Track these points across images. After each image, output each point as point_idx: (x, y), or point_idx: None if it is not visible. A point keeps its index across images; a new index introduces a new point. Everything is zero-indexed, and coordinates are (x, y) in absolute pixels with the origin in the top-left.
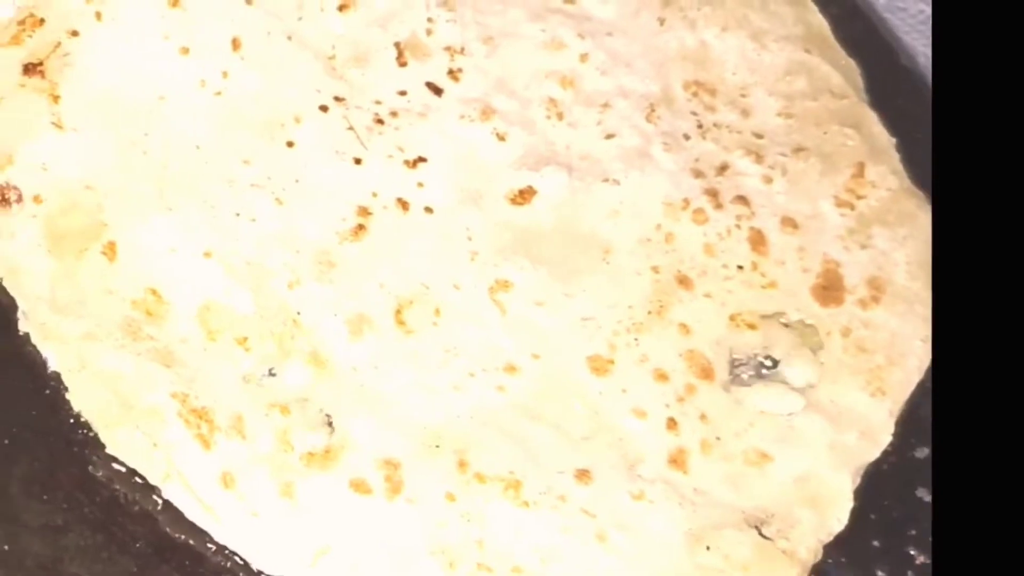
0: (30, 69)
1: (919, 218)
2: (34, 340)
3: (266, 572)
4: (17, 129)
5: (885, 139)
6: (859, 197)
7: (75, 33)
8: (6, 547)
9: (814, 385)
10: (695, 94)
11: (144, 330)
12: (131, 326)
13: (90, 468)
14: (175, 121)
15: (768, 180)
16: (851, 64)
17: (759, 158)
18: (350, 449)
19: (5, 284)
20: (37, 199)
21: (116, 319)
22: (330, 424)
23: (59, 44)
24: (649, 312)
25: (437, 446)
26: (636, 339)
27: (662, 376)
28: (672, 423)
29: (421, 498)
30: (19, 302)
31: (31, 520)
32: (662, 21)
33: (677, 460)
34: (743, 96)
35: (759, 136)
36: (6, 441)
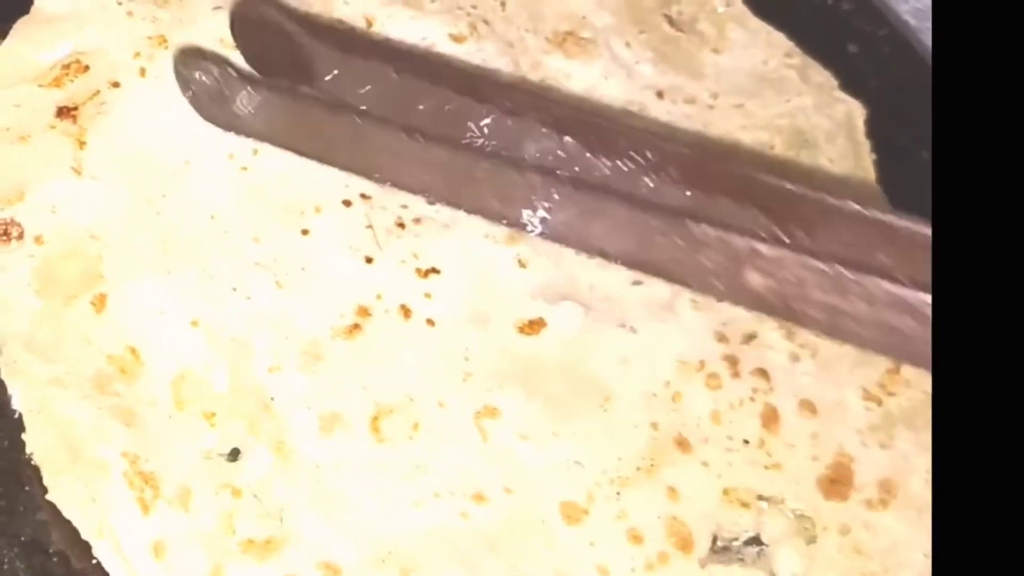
0: (64, 112)
1: None
2: (2, 375)
3: None
4: (36, 168)
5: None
6: (890, 394)
7: (116, 84)
8: None
9: None
10: None
11: (113, 386)
12: (101, 379)
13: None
14: (196, 187)
15: (795, 358)
16: None
17: (791, 334)
18: (293, 545)
19: None
20: (39, 239)
21: (88, 370)
22: (280, 516)
23: (98, 92)
24: (638, 468)
25: (383, 560)
26: (618, 493)
27: (636, 538)
28: None
29: None
30: None
31: None
32: None
33: None
34: None
35: None
36: None
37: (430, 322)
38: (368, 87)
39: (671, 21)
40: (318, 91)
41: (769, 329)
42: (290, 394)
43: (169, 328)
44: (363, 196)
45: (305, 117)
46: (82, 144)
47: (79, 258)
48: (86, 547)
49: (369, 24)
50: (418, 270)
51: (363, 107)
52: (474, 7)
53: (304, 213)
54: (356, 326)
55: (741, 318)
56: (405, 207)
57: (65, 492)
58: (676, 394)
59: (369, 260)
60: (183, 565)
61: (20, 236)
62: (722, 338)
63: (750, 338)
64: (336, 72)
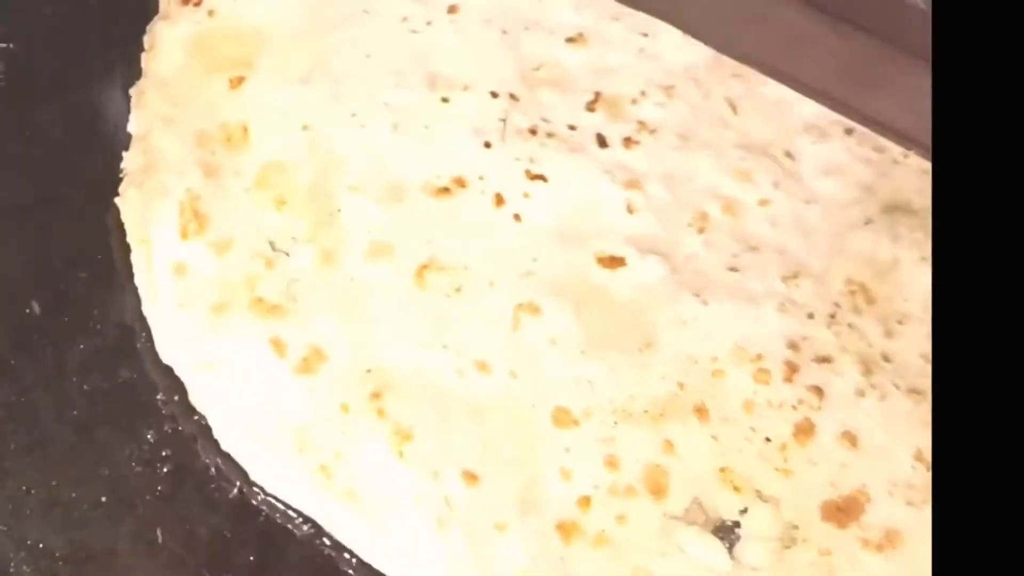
0: None
1: None
2: (132, 101)
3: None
4: None
5: None
6: None
7: None
8: None
9: (757, 571)
10: (852, 293)
11: (212, 145)
12: (206, 137)
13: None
14: (365, 31)
15: (861, 394)
16: None
17: (868, 372)
18: (296, 322)
19: (145, 52)
20: (212, 13)
21: (198, 126)
22: (296, 299)
23: None
24: (646, 411)
25: (368, 372)
26: (616, 423)
27: (613, 464)
28: (586, 502)
29: (320, 393)
30: (144, 71)
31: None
32: (868, 221)
33: (566, 530)
34: (899, 323)
35: (887, 359)
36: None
37: (517, 217)
38: None
39: None
40: None
41: (848, 361)
42: (357, 214)
43: (283, 123)
44: (512, 96)
45: None
46: None
47: (238, 43)
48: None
49: None
50: (528, 171)
51: None
52: None
53: (451, 85)
54: (447, 190)
55: (824, 340)
56: (546, 121)
57: (128, 201)
58: (718, 371)
59: (488, 145)
60: (193, 290)
61: (198, 3)
62: (793, 347)
63: (824, 360)
64: None
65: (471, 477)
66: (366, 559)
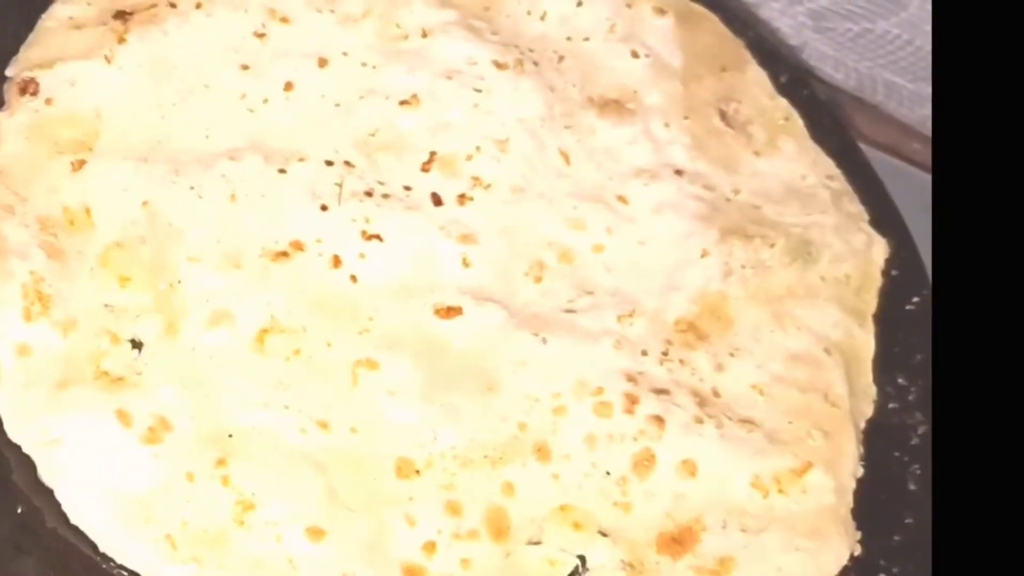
0: (120, 15)
1: (830, 542)
2: None
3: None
4: (75, 50)
5: (852, 460)
6: (780, 491)
7: (173, 5)
8: None
9: None
10: (683, 331)
11: (55, 229)
12: (49, 221)
13: None
14: (204, 108)
15: (699, 421)
16: (870, 389)
17: (703, 404)
18: (141, 393)
19: None
20: (49, 101)
21: (40, 209)
22: (141, 371)
23: (155, 5)
24: (486, 456)
25: (212, 440)
26: (456, 471)
27: (455, 510)
28: (432, 547)
29: (166, 463)
30: None
31: None
32: (705, 253)
33: (412, 573)
34: (731, 355)
35: (716, 394)
36: None
37: (353, 278)
38: None
39: (724, 115)
40: None
41: (683, 392)
42: (197, 283)
43: (124, 201)
44: (347, 163)
45: None
46: (122, 40)
47: (77, 126)
48: None
49: (424, 35)
50: (364, 232)
51: None
52: (531, 50)
53: (287, 159)
54: (285, 254)
55: (658, 376)
56: (382, 184)
57: None
58: (560, 407)
59: (324, 208)
60: (38, 369)
61: (35, 93)
62: (631, 379)
63: (662, 392)
64: None
65: (316, 533)
66: None
